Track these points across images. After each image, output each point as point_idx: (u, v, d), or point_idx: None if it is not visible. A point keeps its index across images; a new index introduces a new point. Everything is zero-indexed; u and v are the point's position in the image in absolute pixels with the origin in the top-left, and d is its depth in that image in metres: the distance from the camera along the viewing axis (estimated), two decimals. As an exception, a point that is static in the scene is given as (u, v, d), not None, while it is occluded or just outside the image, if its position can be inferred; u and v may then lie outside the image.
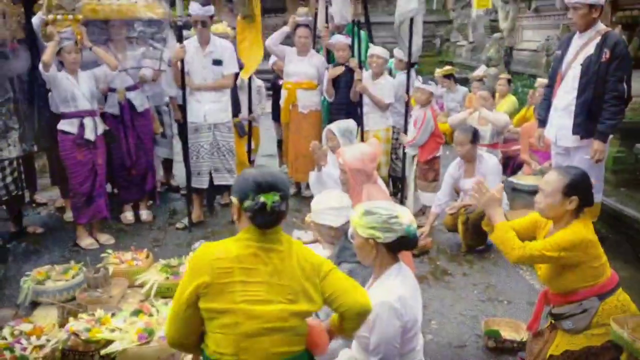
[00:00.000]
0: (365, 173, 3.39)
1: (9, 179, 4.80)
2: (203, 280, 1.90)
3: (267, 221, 1.96)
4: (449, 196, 4.97)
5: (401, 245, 2.32)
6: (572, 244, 2.56)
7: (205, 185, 5.35)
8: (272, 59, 6.78)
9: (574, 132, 4.03)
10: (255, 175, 1.98)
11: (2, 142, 4.64)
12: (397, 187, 5.99)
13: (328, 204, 3.13)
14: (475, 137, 4.78)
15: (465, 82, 9.83)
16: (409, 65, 5.55)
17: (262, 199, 1.92)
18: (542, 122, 4.44)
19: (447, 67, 9.59)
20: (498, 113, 5.78)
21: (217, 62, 5.13)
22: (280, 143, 7.28)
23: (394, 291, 2.25)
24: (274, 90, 6.93)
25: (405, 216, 2.32)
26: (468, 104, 8.11)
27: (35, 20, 4.75)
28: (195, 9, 5.01)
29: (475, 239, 4.76)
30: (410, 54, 5.50)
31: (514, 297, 4.05)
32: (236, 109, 5.75)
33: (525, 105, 7.07)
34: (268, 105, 7.27)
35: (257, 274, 1.94)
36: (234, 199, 2.02)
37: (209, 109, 5.18)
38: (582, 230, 2.60)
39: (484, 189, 2.75)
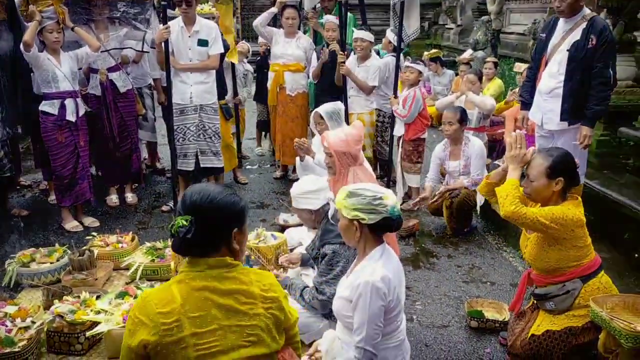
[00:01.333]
0: (351, 155, 3.40)
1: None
2: (149, 339, 1.65)
3: (176, 247, 1.77)
4: (437, 176, 5.02)
5: (385, 226, 2.34)
6: (564, 218, 2.59)
7: (191, 168, 5.32)
8: (261, 39, 6.74)
9: (562, 119, 4.05)
10: (188, 193, 1.80)
11: (-15, 124, 4.58)
12: (385, 170, 6.00)
13: (305, 188, 3.16)
14: (463, 117, 4.80)
15: (453, 65, 9.83)
16: (399, 49, 5.52)
17: (175, 220, 1.74)
18: (525, 105, 4.46)
19: (434, 50, 9.59)
20: (484, 97, 5.80)
21: (203, 43, 5.07)
22: (259, 124, 7.27)
23: (378, 271, 2.27)
24: (259, 71, 6.90)
25: (389, 198, 2.33)
26: (455, 87, 8.13)
27: (16, -1, 4.67)
28: None
29: (460, 222, 4.80)
30: (401, 36, 5.49)
31: (498, 278, 4.10)
32: (222, 92, 5.70)
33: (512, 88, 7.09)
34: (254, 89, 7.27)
35: (210, 321, 1.70)
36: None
37: (195, 90, 5.13)
38: (574, 209, 2.65)
39: (520, 143, 2.74)
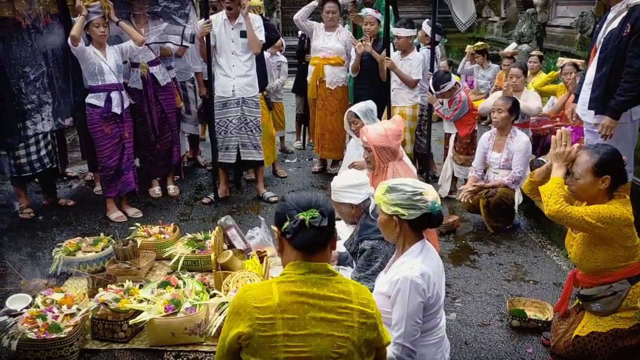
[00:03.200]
0: (390, 150, 3.37)
1: (43, 152, 4.91)
2: (243, 331, 1.73)
3: (308, 239, 1.81)
4: (482, 165, 4.96)
5: (425, 222, 2.30)
6: (611, 217, 2.50)
7: (233, 160, 5.38)
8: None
9: (590, 107, 3.93)
10: (292, 198, 1.91)
11: (37, 116, 4.72)
12: (423, 165, 5.93)
13: (346, 182, 3.13)
14: (514, 107, 4.72)
15: (496, 59, 9.62)
16: (433, 42, 5.43)
17: (300, 216, 1.81)
18: (577, 97, 4.35)
19: (481, 43, 9.39)
20: (529, 102, 5.56)
21: (245, 35, 5.10)
22: (299, 117, 7.28)
23: (417, 267, 2.24)
24: (298, 64, 6.91)
25: (429, 193, 2.30)
26: (498, 82, 7.96)
27: (64, -6, 4.80)
28: None
29: (498, 220, 4.71)
30: (437, 29, 5.42)
31: (541, 277, 4.00)
32: (264, 83, 5.76)
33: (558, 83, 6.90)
34: (290, 82, 7.29)
35: (303, 325, 1.74)
36: (274, 228, 1.91)
37: (237, 83, 5.18)
38: (622, 207, 2.55)
39: (565, 140, 2.67)
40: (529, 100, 5.46)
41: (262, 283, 1.87)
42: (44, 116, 4.76)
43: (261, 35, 5.17)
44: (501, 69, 8.20)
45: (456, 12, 5.34)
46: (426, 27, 5.88)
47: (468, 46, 9.19)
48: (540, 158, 5.93)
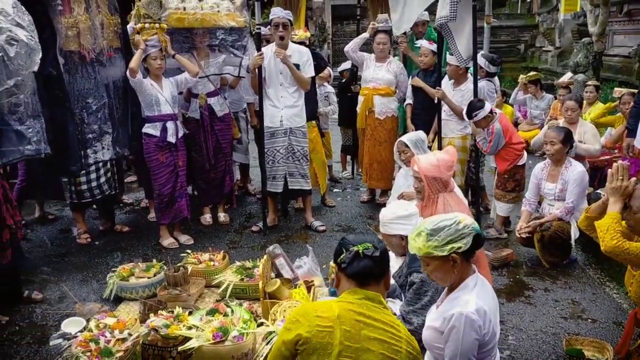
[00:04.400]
0: (442, 181, 3.32)
1: (102, 180, 5.10)
2: (302, 334, 1.88)
3: (361, 268, 2.02)
4: (536, 196, 4.82)
5: (476, 245, 2.24)
6: None
7: (280, 190, 5.44)
8: (343, 66, 6.87)
9: (628, 135, 3.76)
10: (349, 237, 2.15)
11: (97, 145, 4.92)
12: (475, 197, 5.81)
13: (395, 213, 3.10)
14: (567, 138, 4.58)
15: (550, 88, 9.44)
16: (475, 75, 5.34)
17: (355, 248, 2.04)
18: (631, 132, 4.18)
19: (534, 73, 9.25)
20: (589, 138, 5.33)
21: (295, 67, 5.21)
22: (344, 148, 7.32)
23: (472, 302, 2.16)
24: (342, 95, 6.97)
25: (464, 218, 2.25)
26: (553, 113, 7.79)
27: (128, 29, 5.02)
28: (277, 12, 5.14)
29: (554, 254, 4.54)
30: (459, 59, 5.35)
31: (600, 315, 3.82)
32: (314, 111, 5.89)
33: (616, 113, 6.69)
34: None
35: (358, 339, 1.88)
36: (332, 264, 2.13)
37: (285, 113, 5.27)
38: None
39: (622, 174, 2.58)
40: (588, 140, 5.29)
41: (322, 301, 2.08)
42: (104, 145, 4.96)
43: (309, 70, 5.27)
44: (556, 98, 8.04)
45: (458, 47, 5.20)
46: (481, 60, 5.80)
47: (521, 76, 9.07)
48: (599, 191, 5.73)
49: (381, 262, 2.06)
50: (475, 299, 2.19)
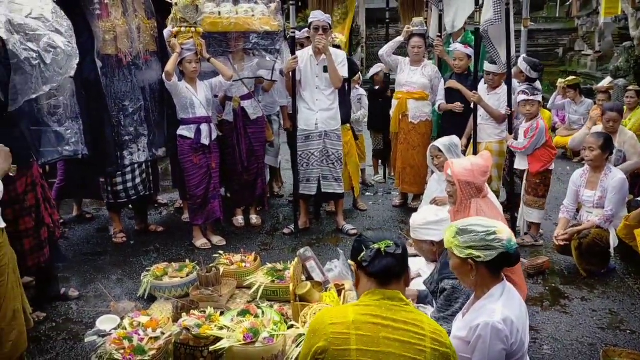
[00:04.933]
0: (475, 186, 3.27)
1: (137, 181, 5.19)
2: (320, 344, 1.85)
3: (384, 266, 1.95)
4: (574, 204, 4.71)
5: (503, 262, 2.19)
6: None
7: (313, 192, 5.45)
8: (374, 69, 6.85)
9: None
10: (367, 234, 2.09)
11: (133, 146, 5.01)
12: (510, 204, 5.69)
13: (426, 218, 3.06)
14: (607, 144, 4.46)
15: (589, 93, 9.22)
16: (510, 79, 5.24)
17: (376, 246, 1.98)
18: None
19: (572, 77, 9.05)
20: (631, 154, 5.18)
21: (332, 59, 5.18)
22: (376, 152, 7.29)
23: (498, 312, 2.12)
24: (373, 100, 6.94)
25: (503, 231, 2.19)
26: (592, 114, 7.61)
27: (165, 32, 5.10)
28: (317, 15, 5.18)
29: (592, 263, 4.42)
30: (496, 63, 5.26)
31: (639, 327, 3.69)
32: (348, 115, 5.87)
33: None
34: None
35: (376, 343, 1.84)
36: (351, 262, 2.06)
37: (320, 116, 5.28)
38: None
39: None
40: (627, 152, 5.15)
41: (339, 307, 2.01)
42: (140, 147, 5.04)
43: (344, 71, 5.26)
44: (595, 103, 7.84)
45: (498, 51, 5.09)
46: (522, 64, 5.67)
47: (560, 80, 8.89)
48: (639, 199, 5.56)
49: (403, 260, 2.00)
50: (501, 308, 2.15)
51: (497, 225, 2.23)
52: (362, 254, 1.98)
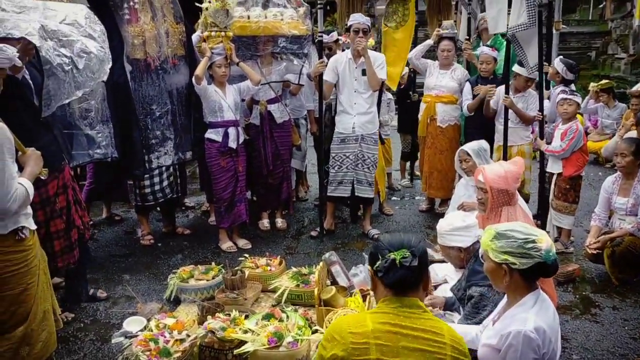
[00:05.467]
0: (508, 193, 3.20)
1: (165, 183, 5.24)
2: (338, 354, 1.82)
3: (398, 278, 1.90)
4: (606, 211, 4.60)
5: (539, 272, 2.14)
6: None
7: (347, 194, 5.45)
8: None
9: None
10: (385, 238, 2.03)
11: (160, 150, 5.06)
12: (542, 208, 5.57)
13: (453, 224, 3.02)
14: (639, 150, 4.35)
15: (623, 97, 9.00)
16: (542, 82, 5.14)
17: (391, 256, 1.92)
18: None
19: (605, 81, 8.85)
20: None
21: (370, 61, 5.17)
22: (404, 155, 7.24)
23: (531, 321, 2.08)
24: (401, 102, 6.89)
25: (543, 240, 2.13)
26: (625, 122, 7.43)
27: (194, 37, 5.15)
28: (357, 17, 5.19)
29: (625, 271, 4.31)
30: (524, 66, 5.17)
31: (674, 338, 3.59)
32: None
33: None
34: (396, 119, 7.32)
35: (396, 352, 1.82)
36: (368, 267, 2.02)
37: (358, 120, 5.28)
38: None
39: None
40: None
41: (356, 314, 1.99)
42: (166, 150, 5.09)
43: (382, 74, 5.25)
44: (629, 107, 7.66)
45: (527, 54, 5.00)
46: (559, 65, 5.55)
47: (592, 84, 8.70)
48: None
49: (420, 270, 1.93)
50: (534, 317, 2.10)
51: (538, 233, 2.18)
52: (377, 264, 1.94)
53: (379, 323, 1.85)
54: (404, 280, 1.90)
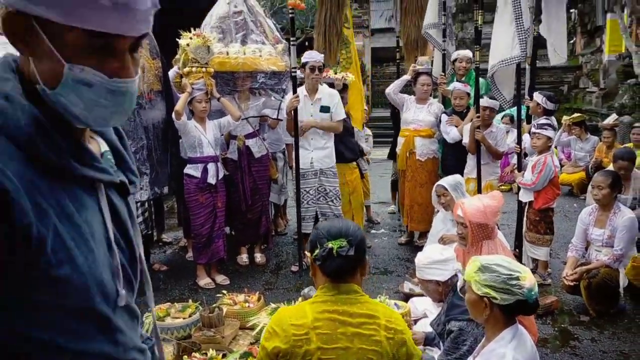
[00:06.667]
0: (487, 227, 3.22)
1: (139, 219, 5.17)
2: (280, 346, 1.87)
3: (335, 267, 1.94)
4: (583, 242, 4.64)
5: (518, 309, 2.15)
6: None
7: (309, 230, 5.41)
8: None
9: None
10: (325, 225, 2.06)
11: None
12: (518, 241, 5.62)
13: (431, 257, 3.02)
14: (615, 183, 4.42)
15: (595, 130, 9.23)
16: (519, 119, 5.30)
17: (329, 245, 1.94)
18: None
19: (577, 114, 9.09)
20: None
21: (325, 109, 5.31)
22: (394, 183, 7.30)
23: (509, 356, 2.08)
24: (394, 127, 6.98)
25: (527, 278, 2.14)
26: (598, 154, 7.61)
27: (170, 73, 5.18)
28: (313, 55, 5.28)
29: (602, 302, 4.33)
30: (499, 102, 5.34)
31: (653, 370, 3.60)
32: (355, 154, 5.97)
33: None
34: (378, 152, 7.38)
35: (335, 339, 1.87)
36: (307, 253, 2.05)
37: (316, 155, 5.34)
38: None
39: None
40: None
41: (296, 305, 2.05)
42: (142, 185, 5.04)
43: (341, 113, 5.37)
44: (601, 140, 7.85)
45: (502, 91, 5.16)
46: (538, 97, 5.69)
47: (564, 117, 8.91)
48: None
49: (356, 258, 1.95)
50: (512, 352, 2.10)
51: (522, 270, 2.18)
52: (315, 252, 1.97)
53: (318, 312, 1.91)
54: (340, 269, 1.95)
